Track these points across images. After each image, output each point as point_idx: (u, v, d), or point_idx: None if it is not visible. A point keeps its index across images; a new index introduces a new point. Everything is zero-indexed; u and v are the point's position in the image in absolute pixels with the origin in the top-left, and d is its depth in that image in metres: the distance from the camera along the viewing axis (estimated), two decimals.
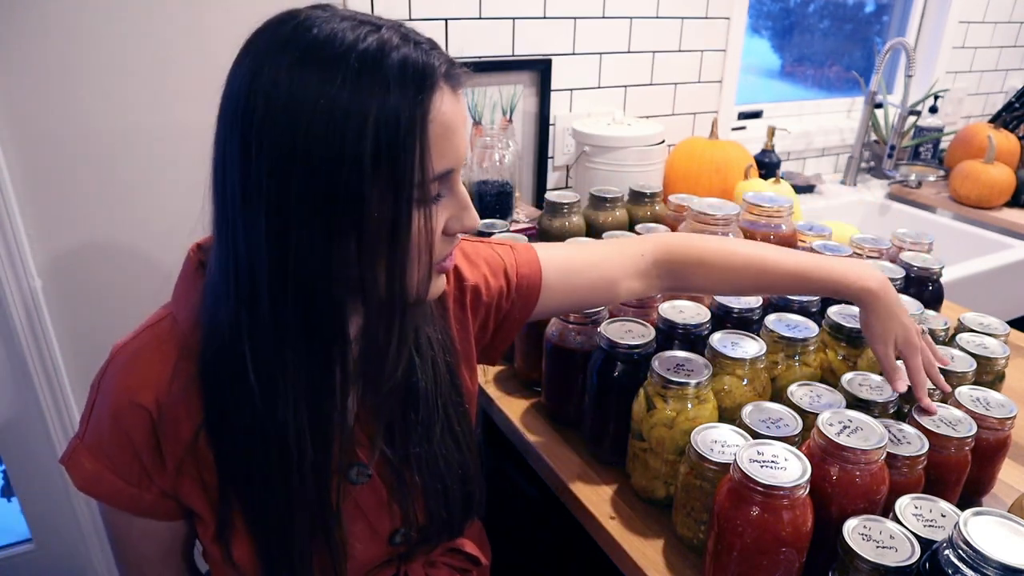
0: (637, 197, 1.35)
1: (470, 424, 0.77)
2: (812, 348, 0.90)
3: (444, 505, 0.74)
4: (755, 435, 0.75)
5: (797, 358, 0.89)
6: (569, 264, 0.84)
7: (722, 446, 0.74)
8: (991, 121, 2.25)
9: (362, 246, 0.55)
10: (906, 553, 0.62)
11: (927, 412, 0.79)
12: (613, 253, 0.84)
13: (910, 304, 0.99)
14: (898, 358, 0.81)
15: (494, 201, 1.45)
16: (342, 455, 0.67)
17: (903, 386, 0.80)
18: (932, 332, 1.01)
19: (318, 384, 0.60)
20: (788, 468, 0.66)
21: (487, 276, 0.79)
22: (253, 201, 0.54)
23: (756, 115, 2.14)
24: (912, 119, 2.19)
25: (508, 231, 1.25)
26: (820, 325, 0.93)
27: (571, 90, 1.66)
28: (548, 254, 0.83)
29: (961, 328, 1.02)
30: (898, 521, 0.65)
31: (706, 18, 1.77)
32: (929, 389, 0.81)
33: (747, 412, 0.78)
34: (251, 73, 0.53)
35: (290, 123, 0.51)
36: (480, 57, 1.50)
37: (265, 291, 0.56)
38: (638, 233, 1.20)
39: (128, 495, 0.65)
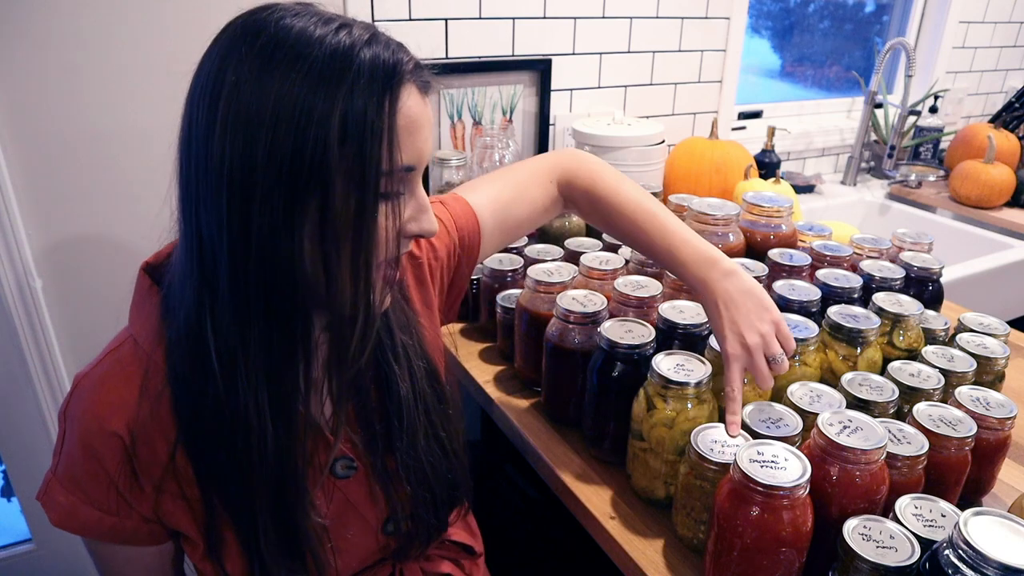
0: None
1: (456, 428, 0.77)
2: (812, 348, 0.90)
3: (433, 512, 0.74)
4: (755, 435, 0.75)
5: (797, 358, 0.89)
6: (498, 202, 0.86)
7: (722, 446, 0.74)
8: (991, 121, 2.25)
9: (325, 233, 0.54)
10: (906, 553, 0.62)
11: (729, 431, 0.74)
12: (529, 183, 0.87)
13: (910, 304, 0.99)
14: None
15: None
16: (315, 444, 0.66)
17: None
18: (932, 332, 1.01)
19: (278, 367, 0.59)
20: (788, 468, 0.66)
21: (433, 241, 0.80)
22: (215, 175, 0.53)
23: (756, 115, 2.14)
24: (912, 119, 2.19)
25: None
26: (820, 325, 0.93)
27: (571, 90, 1.66)
28: (477, 199, 0.85)
29: (961, 328, 1.02)
30: (898, 521, 0.65)
31: (706, 18, 1.77)
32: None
33: (747, 412, 0.78)
34: (222, 55, 0.54)
35: (258, 100, 0.52)
36: (480, 57, 1.50)
37: (225, 269, 0.55)
38: None
39: (108, 525, 0.63)
